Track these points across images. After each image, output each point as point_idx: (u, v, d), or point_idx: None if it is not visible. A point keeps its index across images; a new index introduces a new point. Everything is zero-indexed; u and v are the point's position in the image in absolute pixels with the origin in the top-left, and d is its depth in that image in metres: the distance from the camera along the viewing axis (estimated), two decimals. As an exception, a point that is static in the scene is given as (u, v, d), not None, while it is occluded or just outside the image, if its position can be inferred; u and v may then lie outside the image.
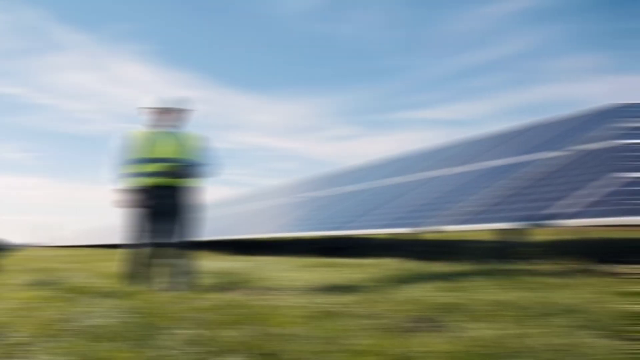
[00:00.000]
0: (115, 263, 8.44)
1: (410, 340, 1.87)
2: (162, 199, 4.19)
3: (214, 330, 2.08)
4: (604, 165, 4.89)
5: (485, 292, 3.06)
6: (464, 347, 1.73)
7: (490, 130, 8.97)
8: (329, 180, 11.39)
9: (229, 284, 4.26)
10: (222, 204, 18.35)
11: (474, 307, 2.54)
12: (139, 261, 4.15)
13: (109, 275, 5.79)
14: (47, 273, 6.05)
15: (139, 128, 4.39)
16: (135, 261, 4.16)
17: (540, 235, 6.85)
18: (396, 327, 2.16)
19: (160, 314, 2.53)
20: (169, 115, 4.35)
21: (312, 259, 6.79)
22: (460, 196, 5.85)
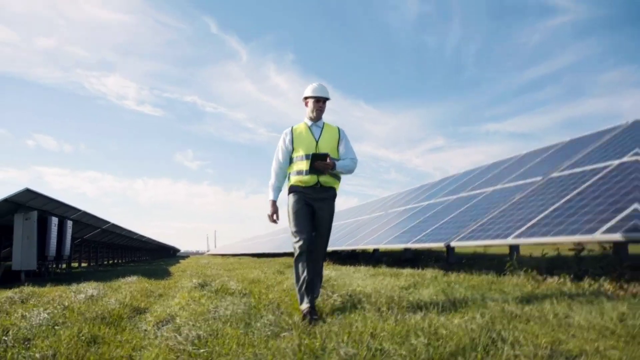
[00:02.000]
0: (255, 271, 10.31)
1: (381, 324, 3.10)
2: (322, 202, 3.72)
3: (281, 316, 3.49)
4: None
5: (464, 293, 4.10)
6: (400, 326, 2.94)
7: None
8: (413, 194, 12.41)
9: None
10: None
11: (443, 304, 3.65)
12: (303, 269, 3.63)
13: (246, 280, 7.51)
14: (204, 278, 7.94)
15: (300, 123, 3.88)
16: (300, 269, 3.64)
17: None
18: (381, 316, 3.39)
19: (259, 307, 4.01)
20: (323, 105, 3.80)
21: (384, 268, 7.93)
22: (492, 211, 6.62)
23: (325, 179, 3.68)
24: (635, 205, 4.22)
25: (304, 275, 3.59)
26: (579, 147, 7.41)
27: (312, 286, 3.61)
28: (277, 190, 3.83)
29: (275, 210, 3.81)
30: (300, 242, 3.57)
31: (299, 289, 3.63)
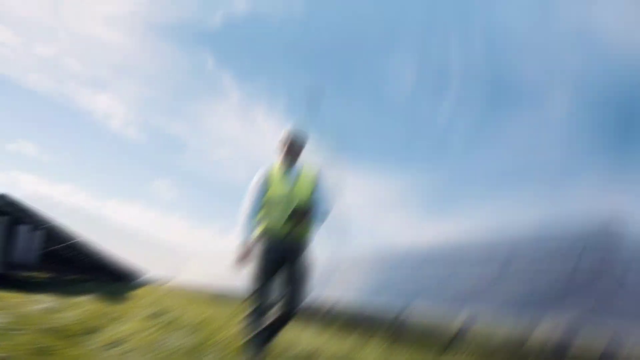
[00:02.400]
0: (212, 308, 10.37)
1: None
2: (294, 253, 3.52)
3: (226, 357, 3.74)
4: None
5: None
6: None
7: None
8: (377, 261, 12.70)
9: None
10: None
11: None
12: (256, 319, 3.46)
13: (201, 315, 7.63)
14: (160, 307, 8.03)
15: (273, 165, 3.70)
16: (249, 328, 3.47)
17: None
18: None
19: (207, 344, 4.24)
20: (298, 150, 3.65)
21: (334, 328, 8.13)
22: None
23: (299, 230, 3.51)
24: (584, 300, 4.58)
25: (252, 334, 3.47)
26: (544, 242, 7.77)
27: (260, 343, 3.49)
28: (248, 232, 3.52)
29: (246, 252, 3.46)
30: (256, 304, 3.45)
31: (245, 346, 3.52)
